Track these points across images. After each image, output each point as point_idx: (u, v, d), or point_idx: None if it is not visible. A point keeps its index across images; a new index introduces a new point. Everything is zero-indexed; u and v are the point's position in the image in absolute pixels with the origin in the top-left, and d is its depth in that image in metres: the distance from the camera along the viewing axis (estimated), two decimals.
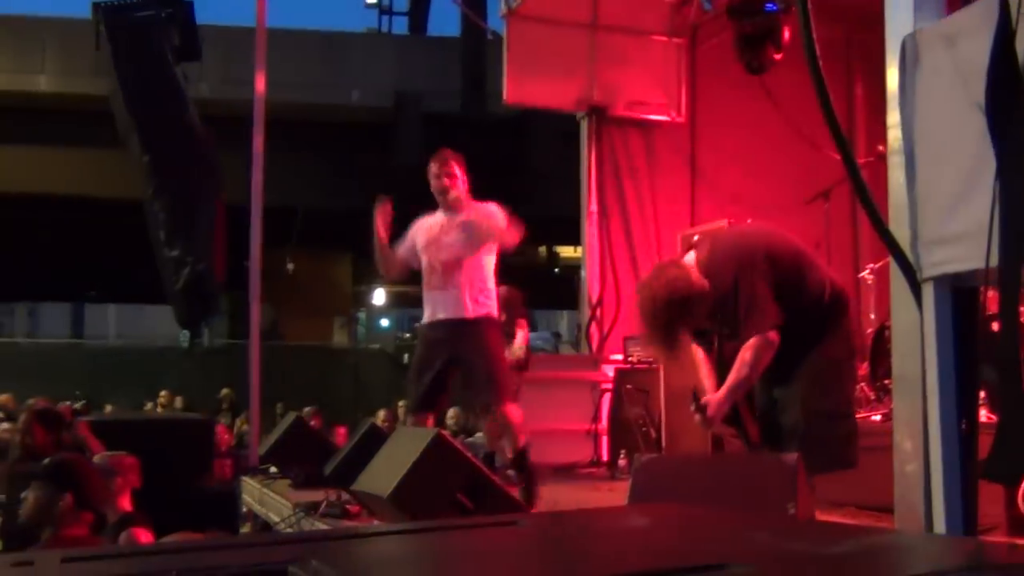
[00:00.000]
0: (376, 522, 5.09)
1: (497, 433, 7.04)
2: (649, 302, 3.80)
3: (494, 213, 5.32)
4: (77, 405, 7.18)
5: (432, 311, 5.39)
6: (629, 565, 1.11)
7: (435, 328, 5.39)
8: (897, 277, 2.19)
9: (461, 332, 5.26)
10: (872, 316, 7.40)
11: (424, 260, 5.42)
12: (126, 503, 4.57)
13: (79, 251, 22.28)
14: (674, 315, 3.77)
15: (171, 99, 8.39)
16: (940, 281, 2.09)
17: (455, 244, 5.34)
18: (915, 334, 2.12)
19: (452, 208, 5.41)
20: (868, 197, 2.15)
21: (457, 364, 5.32)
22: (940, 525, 2.00)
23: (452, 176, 5.40)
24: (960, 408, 2.03)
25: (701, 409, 3.91)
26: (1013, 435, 1.85)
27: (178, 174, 8.31)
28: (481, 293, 5.26)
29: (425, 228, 5.49)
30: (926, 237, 2.11)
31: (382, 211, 5.39)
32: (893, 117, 2.21)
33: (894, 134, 2.21)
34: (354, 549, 1.38)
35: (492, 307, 5.30)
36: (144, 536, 4.01)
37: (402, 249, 5.54)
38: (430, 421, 5.40)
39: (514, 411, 5.36)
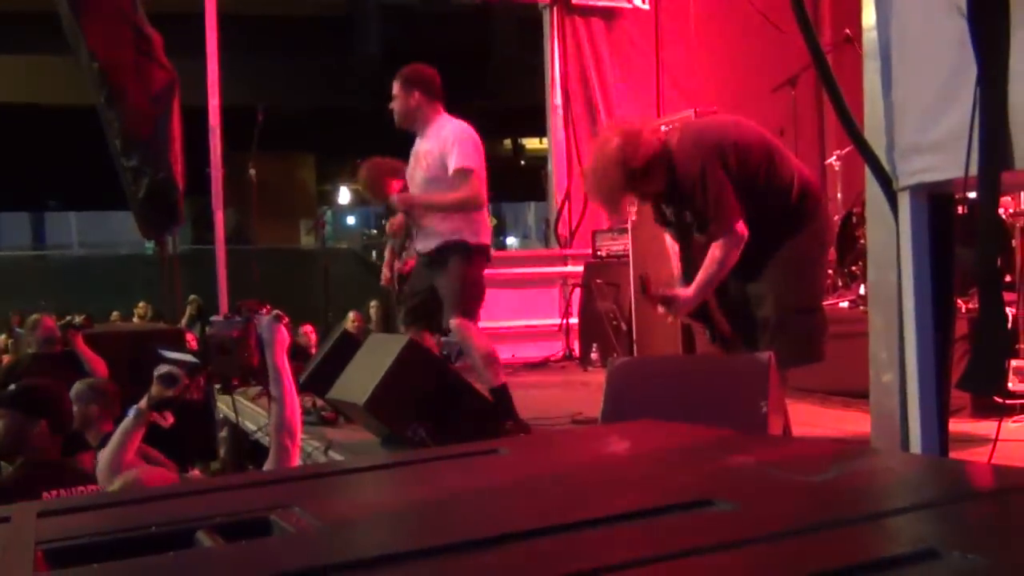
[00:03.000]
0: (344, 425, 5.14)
1: None
2: (602, 161, 3.79)
3: (453, 144, 4.81)
4: (77, 320, 7.09)
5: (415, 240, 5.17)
6: (616, 504, 1.10)
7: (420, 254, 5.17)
8: (872, 186, 2.16)
9: (435, 256, 4.99)
10: (839, 199, 7.42)
11: None
12: (107, 428, 4.53)
13: (36, 159, 21.80)
14: (621, 182, 3.78)
15: (115, 1, 8.07)
16: (917, 190, 2.07)
17: (421, 184, 4.97)
18: (891, 244, 2.10)
19: (415, 132, 5.01)
20: (844, 107, 2.10)
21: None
22: (915, 433, 2.03)
23: (394, 99, 4.97)
24: (936, 318, 2.04)
25: (668, 302, 3.92)
26: (989, 346, 1.87)
27: (130, 80, 8.05)
28: (451, 225, 4.90)
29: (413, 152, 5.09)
30: (903, 145, 2.07)
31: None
32: (869, 19, 2.15)
33: (870, 36, 2.15)
34: (334, 490, 1.37)
35: (468, 232, 4.91)
36: None
37: None
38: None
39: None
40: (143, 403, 3.38)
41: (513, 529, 1.01)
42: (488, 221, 5.11)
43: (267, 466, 3.15)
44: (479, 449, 1.53)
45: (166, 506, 1.31)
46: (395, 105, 4.98)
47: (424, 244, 5.02)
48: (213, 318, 3.62)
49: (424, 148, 4.95)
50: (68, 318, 7.21)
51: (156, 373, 3.32)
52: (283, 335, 3.18)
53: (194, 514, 1.20)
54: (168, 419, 3.54)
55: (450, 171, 4.80)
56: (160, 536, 1.15)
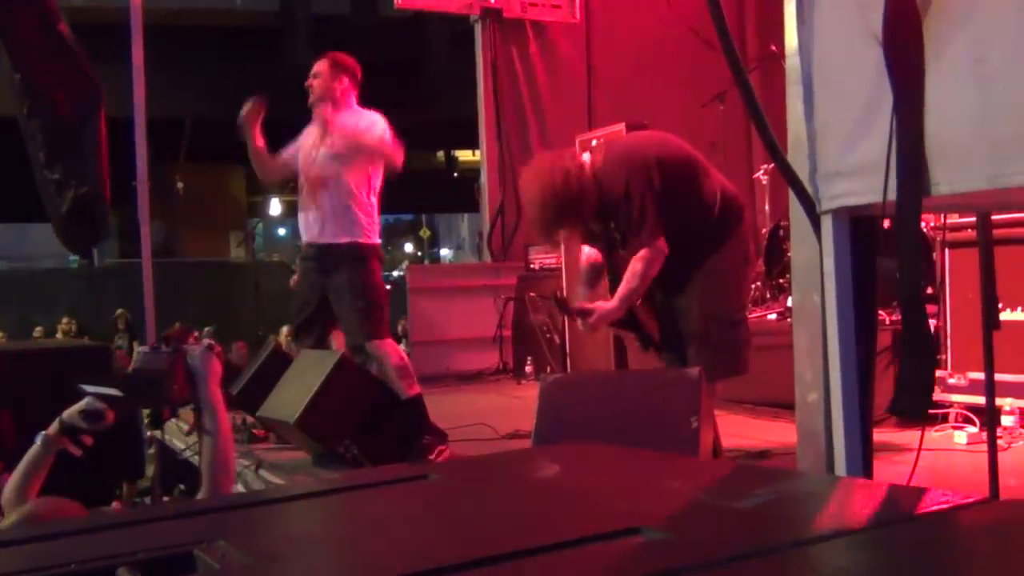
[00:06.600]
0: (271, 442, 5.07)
1: None
2: (536, 194, 3.81)
3: (370, 125, 4.87)
4: None
5: (304, 233, 5.06)
6: (544, 533, 1.10)
7: (307, 252, 5.07)
8: (796, 208, 2.21)
9: (326, 258, 4.94)
10: (767, 212, 7.55)
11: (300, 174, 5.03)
12: None
13: None
14: (557, 213, 3.81)
15: (38, 10, 7.88)
16: (839, 213, 2.12)
17: (323, 160, 4.92)
18: (814, 264, 2.15)
19: (322, 115, 4.97)
20: (767, 130, 2.14)
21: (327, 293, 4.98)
22: (840, 451, 2.07)
23: (317, 76, 4.95)
24: (859, 339, 2.09)
25: (583, 315, 3.95)
26: (916, 371, 1.91)
27: (53, 92, 7.85)
28: (347, 215, 4.87)
29: (307, 136, 5.08)
30: (825, 170, 2.12)
31: (253, 111, 4.92)
32: (791, 43, 2.20)
33: (792, 62, 2.20)
34: (261, 522, 1.35)
35: (364, 232, 4.89)
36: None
37: (286, 153, 5.12)
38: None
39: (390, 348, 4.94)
40: (52, 429, 3.17)
41: (438, 563, 1.00)
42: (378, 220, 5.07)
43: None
44: (409, 474, 1.52)
45: (86, 541, 1.27)
46: (317, 83, 4.95)
47: (314, 233, 4.95)
48: (140, 348, 3.45)
49: (335, 126, 4.93)
50: None
51: (78, 409, 3.12)
52: (216, 366, 3.05)
53: (115, 550, 1.17)
54: (78, 448, 3.35)
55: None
56: (79, 575, 1.12)
